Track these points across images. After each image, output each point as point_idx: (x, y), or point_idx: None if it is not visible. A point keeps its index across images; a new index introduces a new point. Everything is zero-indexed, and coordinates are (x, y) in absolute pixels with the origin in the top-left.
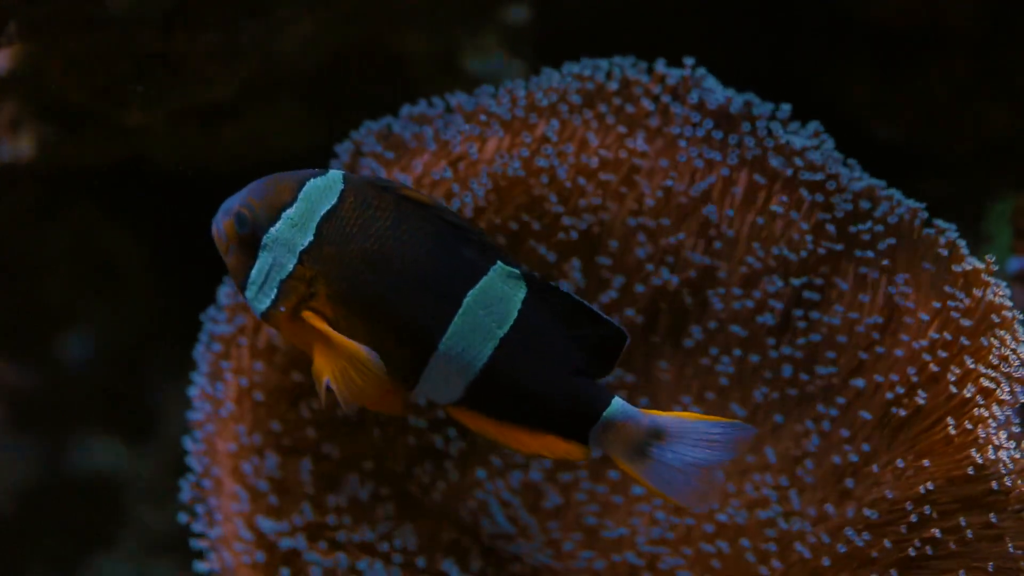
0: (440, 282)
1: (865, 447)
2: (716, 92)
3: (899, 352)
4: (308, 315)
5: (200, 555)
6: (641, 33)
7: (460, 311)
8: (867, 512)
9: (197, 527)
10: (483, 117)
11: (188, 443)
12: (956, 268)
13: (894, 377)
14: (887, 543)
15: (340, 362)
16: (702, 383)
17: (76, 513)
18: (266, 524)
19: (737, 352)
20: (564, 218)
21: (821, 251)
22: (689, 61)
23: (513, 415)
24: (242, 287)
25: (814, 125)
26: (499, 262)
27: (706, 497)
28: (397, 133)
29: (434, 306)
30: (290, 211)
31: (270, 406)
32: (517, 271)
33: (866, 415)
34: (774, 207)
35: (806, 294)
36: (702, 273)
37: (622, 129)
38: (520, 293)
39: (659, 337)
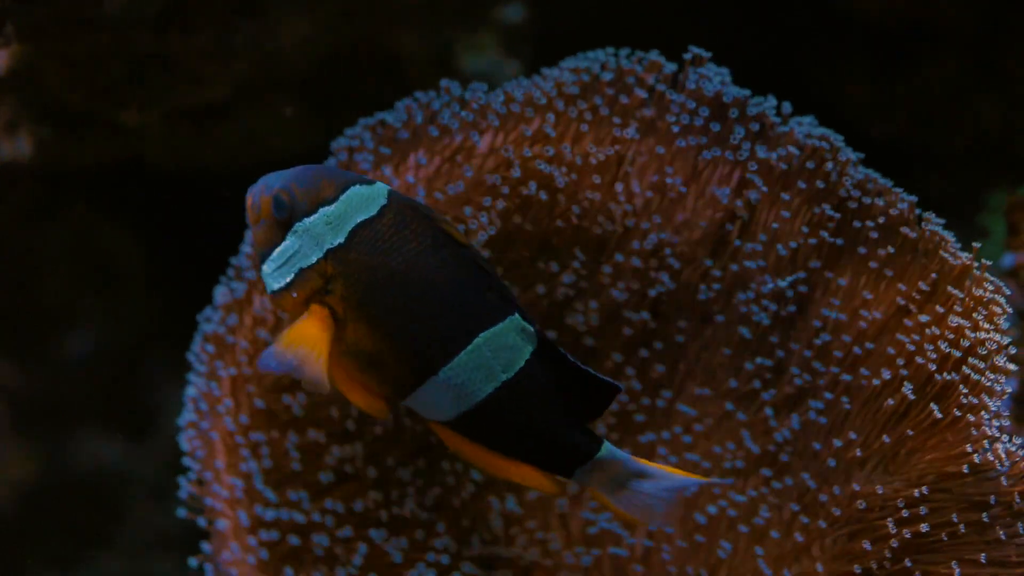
0: (455, 315)
1: (856, 442)
2: (714, 80)
3: (891, 349)
4: (316, 309)
5: (200, 553)
6: (637, 32)
7: (468, 348)
8: (859, 504)
9: (196, 524)
10: (475, 107)
11: (183, 442)
12: (950, 263)
13: (886, 374)
14: (867, 545)
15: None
16: (696, 381)
17: (76, 511)
18: (265, 518)
19: (730, 350)
20: (558, 214)
21: (813, 242)
22: (700, 51)
23: (498, 448)
24: (261, 259)
25: (809, 120)
26: (516, 314)
27: (668, 519)
28: (391, 125)
29: (444, 336)
30: (329, 208)
31: (265, 403)
32: (531, 328)
33: (856, 411)
34: (765, 199)
35: (802, 288)
36: (696, 269)
37: (616, 121)
38: (529, 347)
39: (657, 341)
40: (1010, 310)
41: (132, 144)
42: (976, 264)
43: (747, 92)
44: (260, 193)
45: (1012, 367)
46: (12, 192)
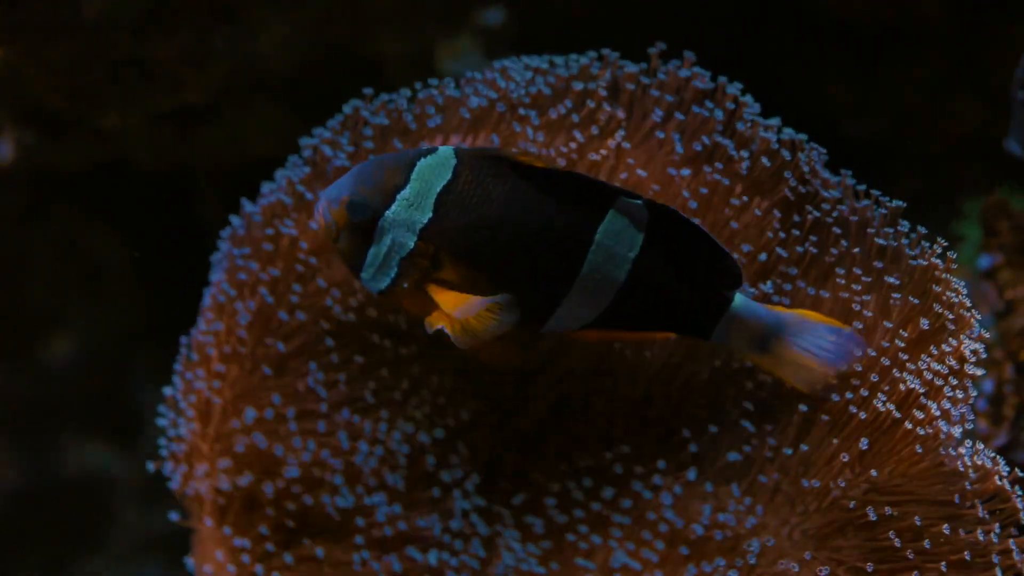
0: (568, 229)
1: (825, 451)
2: (695, 80)
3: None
4: (433, 288)
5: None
6: (617, 35)
7: (592, 248)
8: (821, 517)
9: (183, 527)
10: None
11: (163, 450)
12: (915, 264)
13: (856, 382)
14: (840, 559)
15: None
16: (661, 387)
17: (64, 515)
18: (237, 539)
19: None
20: None
21: (783, 250)
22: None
23: (639, 326)
24: (356, 270)
25: (777, 121)
26: (620, 196)
27: (822, 382)
28: (360, 130)
29: (565, 253)
30: (405, 192)
31: (240, 406)
32: (639, 201)
33: (825, 415)
34: (740, 201)
35: (767, 290)
36: None
37: (596, 130)
38: (643, 220)
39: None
40: (979, 315)
41: (115, 147)
42: (941, 266)
43: (726, 79)
44: (327, 210)
45: (980, 371)
46: None
